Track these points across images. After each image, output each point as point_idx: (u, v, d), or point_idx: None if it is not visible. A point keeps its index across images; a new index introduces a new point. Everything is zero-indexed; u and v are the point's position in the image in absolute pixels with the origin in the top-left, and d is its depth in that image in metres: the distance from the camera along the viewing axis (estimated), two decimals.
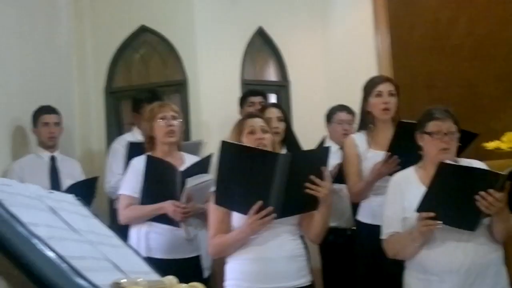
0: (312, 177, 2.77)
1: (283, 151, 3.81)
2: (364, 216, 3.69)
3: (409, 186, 3.03)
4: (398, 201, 3.04)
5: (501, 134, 4.06)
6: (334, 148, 3.81)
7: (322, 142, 4.36)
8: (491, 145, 4.01)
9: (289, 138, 4.14)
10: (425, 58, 5.96)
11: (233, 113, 4.78)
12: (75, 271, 1.22)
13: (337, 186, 3.98)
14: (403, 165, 3.30)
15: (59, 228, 1.45)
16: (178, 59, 5.48)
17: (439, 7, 5.96)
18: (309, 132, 4.83)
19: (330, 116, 4.71)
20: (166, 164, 3.50)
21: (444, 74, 5.89)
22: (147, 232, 3.61)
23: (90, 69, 5.67)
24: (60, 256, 1.22)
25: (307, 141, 4.32)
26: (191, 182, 3.42)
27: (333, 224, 4.47)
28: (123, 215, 3.66)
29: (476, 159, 3.12)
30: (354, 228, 3.98)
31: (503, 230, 2.88)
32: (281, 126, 4.07)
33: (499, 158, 3.86)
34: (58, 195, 1.75)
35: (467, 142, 3.33)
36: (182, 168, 3.52)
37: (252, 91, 5.05)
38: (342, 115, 4.60)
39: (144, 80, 5.61)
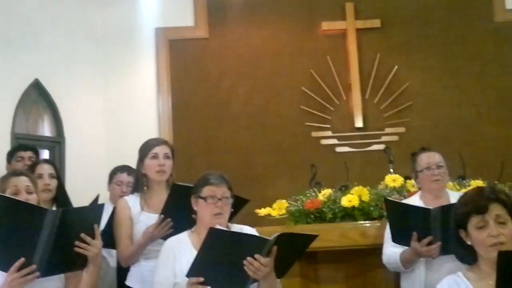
0: (83, 235, 2.67)
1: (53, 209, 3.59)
2: (133, 281, 3.58)
3: (182, 251, 3.02)
4: (169, 266, 3.01)
5: (274, 201, 4.21)
6: (110, 209, 3.73)
7: (95, 200, 4.21)
8: (262, 211, 4.17)
9: (60, 196, 3.96)
10: (205, 124, 6.11)
11: (0, 169, 4.44)
12: None
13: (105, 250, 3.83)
14: (177, 229, 3.28)
15: None
16: None
17: (220, 75, 6.16)
18: (83, 191, 4.65)
19: (111, 176, 4.62)
20: None
21: (222, 141, 6.07)
22: None
23: None
24: None
25: (81, 200, 4.13)
26: None
27: None
28: None
29: (249, 225, 3.19)
30: None
31: None
32: (53, 183, 3.90)
33: (270, 224, 3.99)
34: None
35: (239, 207, 3.39)
36: None
37: (21, 145, 4.84)
38: (122, 176, 4.53)
39: None
